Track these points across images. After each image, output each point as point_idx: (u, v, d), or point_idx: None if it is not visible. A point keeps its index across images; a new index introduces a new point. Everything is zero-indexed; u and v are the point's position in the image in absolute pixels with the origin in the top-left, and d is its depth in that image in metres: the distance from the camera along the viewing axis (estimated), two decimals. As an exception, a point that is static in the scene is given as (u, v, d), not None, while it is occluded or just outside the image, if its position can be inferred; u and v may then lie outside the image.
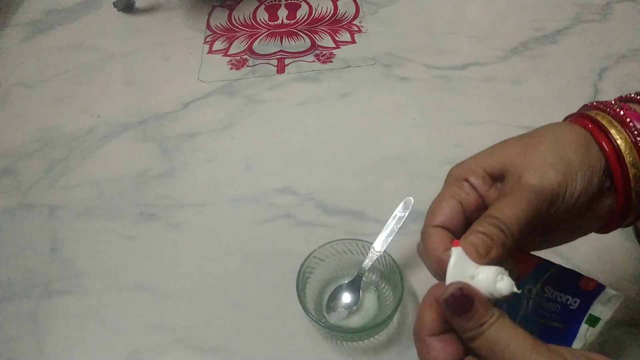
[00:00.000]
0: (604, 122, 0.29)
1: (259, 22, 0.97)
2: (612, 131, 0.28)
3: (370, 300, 0.53)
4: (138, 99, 0.81)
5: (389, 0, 0.98)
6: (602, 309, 0.30)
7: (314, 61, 0.86)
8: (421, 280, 0.54)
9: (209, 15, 0.99)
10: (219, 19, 0.98)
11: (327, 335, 0.51)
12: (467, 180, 0.30)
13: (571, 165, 0.27)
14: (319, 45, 0.90)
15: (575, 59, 0.83)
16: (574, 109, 0.34)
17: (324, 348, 0.51)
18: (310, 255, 0.51)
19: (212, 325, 0.53)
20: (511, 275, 0.29)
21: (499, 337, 0.24)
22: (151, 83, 0.84)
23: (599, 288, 0.30)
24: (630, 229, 0.58)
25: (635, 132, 0.28)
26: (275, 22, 0.96)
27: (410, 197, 0.53)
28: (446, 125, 0.73)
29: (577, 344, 0.30)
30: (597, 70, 0.80)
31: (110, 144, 0.74)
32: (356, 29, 0.93)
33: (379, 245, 0.51)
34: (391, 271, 0.51)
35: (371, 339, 0.51)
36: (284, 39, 0.92)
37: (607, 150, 0.28)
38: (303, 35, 0.92)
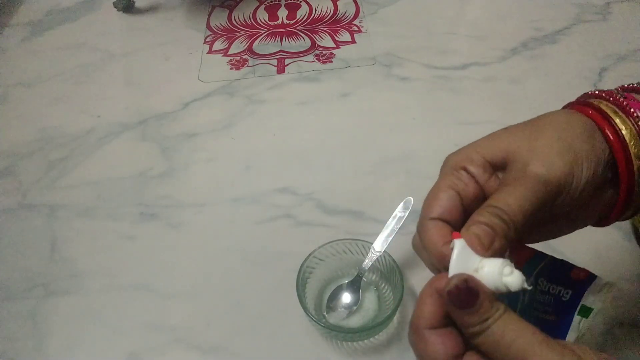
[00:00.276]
0: (608, 111, 0.28)
1: (259, 22, 0.97)
2: (617, 120, 0.27)
3: (370, 300, 0.53)
4: (138, 99, 0.81)
5: (389, 0, 0.98)
6: (593, 299, 0.29)
7: (314, 61, 0.86)
8: (421, 280, 0.54)
9: (209, 15, 0.99)
10: (219, 19, 0.98)
11: (327, 335, 0.51)
12: (465, 169, 0.28)
13: (578, 155, 0.26)
14: (319, 45, 0.90)
15: (575, 59, 0.83)
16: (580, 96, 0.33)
17: (324, 348, 0.51)
18: (310, 255, 0.51)
19: (212, 325, 0.53)
20: None
21: (505, 332, 0.23)
22: (151, 83, 0.84)
23: (590, 278, 0.29)
24: (630, 229, 0.58)
25: None
26: (275, 22, 0.96)
27: (410, 197, 0.53)
28: (446, 125, 0.73)
29: (571, 335, 0.29)
30: (597, 70, 0.80)
31: (110, 144, 0.74)
32: (356, 29, 0.93)
33: (379, 245, 0.51)
34: (391, 271, 0.51)
35: (371, 339, 0.51)
36: (284, 39, 0.92)
37: (612, 140, 0.27)
38: (303, 35, 0.92)
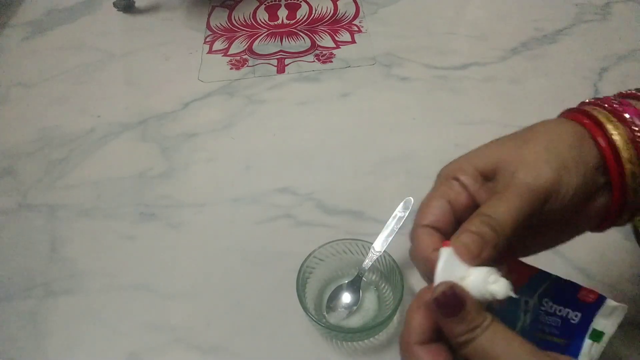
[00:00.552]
0: (600, 117, 0.28)
1: (259, 22, 0.97)
2: (609, 126, 0.27)
3: (370, 300, 0.53)
4: (138, 99, 0.81)
5: (389, 0, 0.98)
6: (605, 323, 0.28)
7: (314, 61, 0.86)
8: (421, 280, 0.54)
9: (209, 15, 0.99)
10: (219, 19, 0.98)
11: (327, 335, 0.51)
12: (457, 179, 0.29)
13: (566, 162, 0.27)
14: (319, 45, 0.90)
15: (575, 59, 0.83)
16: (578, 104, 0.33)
17: (324, 348, 0.51)
18: (310, 255, 0.51)
19: (212, 325, 0.53)
20: None
21: (493, 343, 0.23)
22: (151, 83, 0.84)
23: (600, 300, 0.28)
24: (629, 230, 0.58)
25: (635, 129, 0.27)
26: (275, 22, 0.96)
27: (410, 197, 0.53)
28: (446, 125, 0.73)
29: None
30: (597, 70, 0.80)
31: (110, 144, 0.74)
32: (356, 29, 0.93)
33: (379, 245, 0.51)
34: (391, 271, 0.51)
35: (371, 339, 0.51)
36: (284, 39, 0.92)
37: (602, 145, 0.27)
38: (303, 35, 0.92)
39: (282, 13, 0.99)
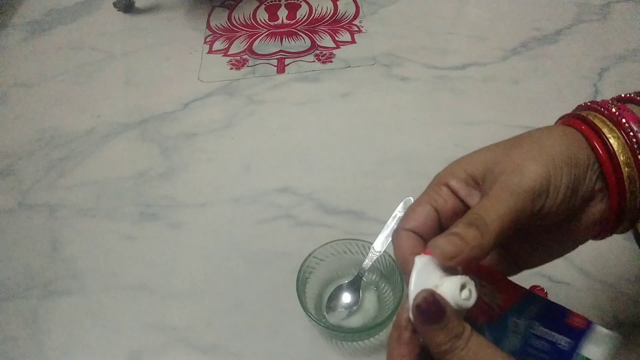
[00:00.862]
0: (596, 122, 0.28)
1: (259, 22, 0.97)
2: (605, 130, 0.27)
3: (370, 300, 0.53)
4: (138, 99, 0.81)
5: (389, 0, 0.98)
6: (595, 350, 0.28)
7: (314, 61, 0.86)
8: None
9: (209, 15, 0.99)
10: (219, 19, 0.98)
11: (327, 335, 0.51)
12: (447, 184, 0.29)
13: (555, 162, 0.27)
14: (319, 45, 0.90)
15: (575, 59, 0.83)
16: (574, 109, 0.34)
17: (324, 348, 0.51)
18: (310, 255, 0.51)
19: (212, 325, 0.53)
20: (493, 302, 0.28)
21: (479, 354, 0.23)
22: (151, 83, 0.84)
23: (589, 326, 0.28)
24: (631, 230, 0.58)
25: (631, 133, 0.27)
26: (275, 22, 0.96)
27: (410, 197, 0.53)
28: (446, 125, 0.73)
29: None
30: (597, 70, 0.80)
31: (110, 144, 0.74)
32: (356, 29, 0.93)
33: (379, 245, 0.51)
34: (391, 271, 0.51)
35: (371, 339, 0.51)
36: (284, 39, 0.92)
37: (598, 148, 0.27)
38: (303, 35, 0.92)
39: (282, 13, 0.99)
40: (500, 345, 0.28)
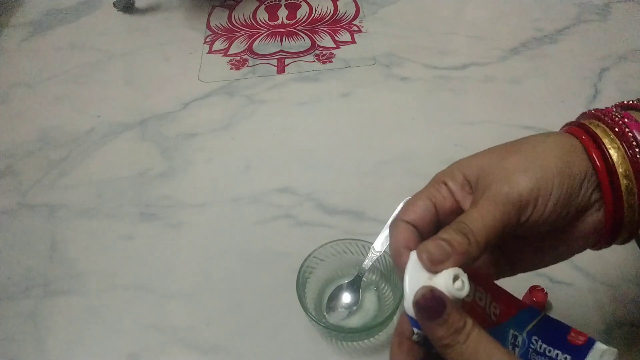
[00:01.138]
0: (598, 132, 0.28)
1: (259, 22, 0.97)
2: (605, 140, 0.27)
3: (370, 300, 0.53)
4: (138, 99, 0.81)
5: (389, 0, 0.98)
6: None
7: (314, 61, 0.86)
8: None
9: (209, 15, 0.99)
10: (219, 19, 0.98)
11: (327, 335, 0.51)
12: (445, 183, 0.30)
13: (546, 172, 0.27)
14: (319, 45, 0.90)
15: (575, 59, 0.83)
16: (574, 109, 0.34)
17: (324, 348, 0.51)
18: (310, 255, 0.51)
19: (212, 325, 0.53)
20: (489, 310, 0.28)
21: (478, 350, 0.23)
22: (151, 83, 0.84)
23: (589, 343, 0.28)
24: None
25: (634, 143, 0.27)
26: (275, 22, 0.96)
27: (410, 197, 0.53)
28: (446, 125, 0.73)
29: None
30: (597, 70, 0.80)
31: (110, 144, 0.74)
32: (356, 29, 0.93)
33: (379, 245, 0.51)
34: (391, 271, 0.51)
35: (371, 339, 0.51)
36: (284, 39, 0.92)
37: (595, 159, 0.27)
38: (303, 35, 0.92)
39: (282, 13, 0.99)
40: None
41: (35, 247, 0.61)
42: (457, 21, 0.94)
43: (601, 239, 0.29)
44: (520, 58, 0.84)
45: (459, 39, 0.89)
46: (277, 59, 0.87)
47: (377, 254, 0.51)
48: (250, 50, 0.89)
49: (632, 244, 0.57)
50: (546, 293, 0.51)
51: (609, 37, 0.87)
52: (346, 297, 0.53)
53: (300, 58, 0.87)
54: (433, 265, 0.25)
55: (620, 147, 0.27)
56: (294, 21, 0.96)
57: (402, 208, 0.30)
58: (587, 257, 0.56)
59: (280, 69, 0.85)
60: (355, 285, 0.53)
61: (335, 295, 0.53)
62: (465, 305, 0.27)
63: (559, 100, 0.75)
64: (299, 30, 0.94)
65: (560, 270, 0.55)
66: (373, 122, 0.74)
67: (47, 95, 0.83)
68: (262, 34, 0.93)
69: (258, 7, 1.01)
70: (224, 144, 0.72)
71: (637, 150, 0.27)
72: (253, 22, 0.97)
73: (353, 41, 0.90)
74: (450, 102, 0.77)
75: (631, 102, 0.30)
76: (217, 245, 0.60)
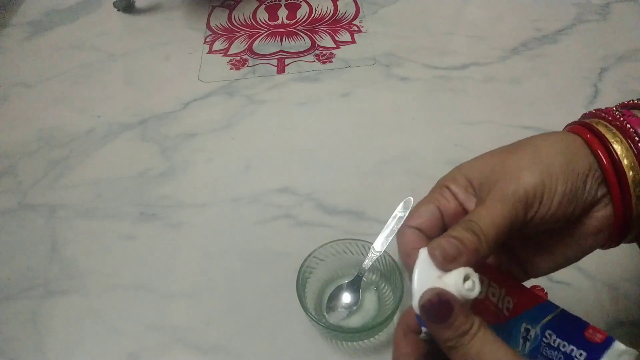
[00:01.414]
0: (600, 128, 0.28)
1: (259, 22, 0.97)
2: (608, 135, 0.28)
3: (370, 300, 0.53)
4: (138, 99, 0.81)
5: (389, 0, 0.98)
6: None
7: (314, 61, 0.86)
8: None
9: (209, 15, 0.99)
10: (219, 19, 0.98)
11: (327, 335, 0.51)
12: (448, 187, 0.30)
13: (550, 168, 0.27)
14: (319, 45, 0.90)
15: (575, 59, 0.83)
16: (574, 109, 0.34)
17: (324, 348, 0.51)
18: (310, 255, 0.51)
19: (212, 325, 0.53)
20: (502, 305, 0.28)
21: (480, 352, 0.23)
22: (151, 83, 0.84)
23: (608, 341, 0.27)
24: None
25: (637, 138, 0.27)
26: (275, 22, 0.96)
27: (410, 197, 0.53)
28: (446, 125, 0.73)
29: None
30: (597, 70, 0.80)
31: (110, 144, 0.74)
32: (356, 29, 0.93)
33: (379, 245, 0.51)
34: (391, 271, 0.51)
35: (371, 339, 0.51)
36: (284, 39, 0.92)
37: (599, 153, 0.27)
38: (303, 35, 0.92)
39: (282, 13, 0.99)
40: None
41: (35, 247, 0.61)
42: (457, 21, 0.94)
43: (611, 237, 0.30)
44: (520, 58, 0.84)
45: (459, 39, 0.89)
46: (277, 59, 0.87)
47: (377, 254, 0.51)
48: (250, 50, 0.89)
49: (632, 244, 0.57)
50: (546, 293, 0.51)
51: (609, 37, 0.87)
52: (346, 297, 0.53)
53: (300, 58, 0.87)
54: (446, 262, 0.25)
55: (624, 140, 0.27)
56: (294, 21, 0.96)
57: (407, 215, 0.30)
58: (587, 257, 0.56)
59: (280, 69, 0.85)
60: (355, 285, 0.53)
61: (335, 295, 0.53)
62: (476, 301, 0.27)
63: (559, 100, 0.75)
64: (299, 30, 0.94)
65: (560, 270, 0.55)
66: (373, 122, 0.74)
67: (47, 95, 0.83)
68: (262, 34, 0.93)
69: (258, 7, 1.01)
70: (224, 144, 0.72)
71: (639, 145, 0.27)
72: (253, 22, 0.97)
73: (353, 41, 0.90)
74: (450, 102, 0.77)
75: (631, 101, 0.30)
76: (217, 245, 0.60)
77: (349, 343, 0.51)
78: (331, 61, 0.86)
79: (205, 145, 0.72)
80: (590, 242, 0.30)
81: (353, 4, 0.99)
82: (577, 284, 0.54)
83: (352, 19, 0.95)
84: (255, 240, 0.60)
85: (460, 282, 0.24)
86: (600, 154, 0.27)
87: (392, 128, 0.73)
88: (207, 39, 0.93)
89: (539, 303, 0.29)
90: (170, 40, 0.92)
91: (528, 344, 0.29)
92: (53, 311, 0.55)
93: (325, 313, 0.52)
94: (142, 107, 0.79)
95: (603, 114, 0.29)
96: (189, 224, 0.63)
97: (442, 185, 0.30)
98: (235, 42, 0.92)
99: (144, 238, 0.62)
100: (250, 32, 0.94)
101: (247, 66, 0.86)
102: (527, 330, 0.29)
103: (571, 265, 0.58)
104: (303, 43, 0.90)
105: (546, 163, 0.27)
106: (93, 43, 0.92)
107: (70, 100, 0.82)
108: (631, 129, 0.27)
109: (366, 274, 0.53)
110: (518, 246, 0.31)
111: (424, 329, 0.25)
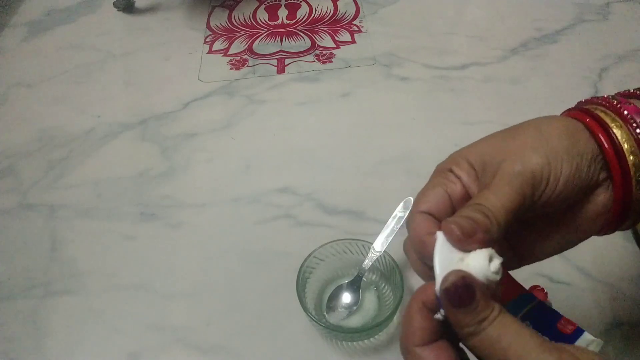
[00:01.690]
0: (598, 113, 0.28)
1: (259, 22, 0.97)
2: (607, 120, 0.27)
3: (370, 300, 0.53)
4: (138, 99, 0.81)
5: (389, 0, 0.98)
6: None
7: (314, 61, 0.86)
8: (421, 280, 0.54)
9: (209, 15, 0.99)
10: (219, 19, 0.98)
11: (327, 335, 0.51)
12: (451, 170, 0.29)
13: (555, 150, 0.27)
14: (319, 45, 0.90)
15: (575, 59, 0.83)
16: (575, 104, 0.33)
17: (324, 348, 0.51)
18: (310, 255, 0.51)
19: (212, 325, 0.53)
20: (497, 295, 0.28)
21: (501, 334, 0.22)
22: (151, 83, 0.84)
23: (577, 332, 0.28)
24: (629, 230, 0.58)
25: (634, 124, 0.27)
26: (275, 22, 0.96)
27: (410, 197, 0.53)
28: (446, 125, 0.73)
29: None
30: (597, 70, 0.80)
31: (110, 144, 0.74)
32: (356, 29, 0.93)
33: (379, 245, 0.51)
34: (391, 271, 0.51)
35: (371, 339, 0.51)
36: (284, 39, 0.92)
37: (600, 137, 0.27)
38: (303, 35, 0.92)
39: (282, 13, 0.99)
40: None
41: (35, 247, 0.61)
42: (457, 21, 0.94)
43: (608, 222, 0.29)
44: (520, 58, 0.84)
45: (459, 39, 0.89)
46: (277, 59, 0.87)
47: (377, 254, 0.51)
48: (250, 50, 0.89)
49: (632, 244, 0.57)
50: (546, 293, 0.51)
51: (609, 37, 0.87)
52: (346, 297, 0.53)
53: (300, 58, 0.87)
54: (465, 238, 0.24)
55: (623, 125, 0.27)
56: (294, 21, 0.96)
57: (415, 200, 0.29)
58: (587, 257, 0.56)
59: (280, 69, 0.85)
60: (355, 285, 0.53)
61: (335, 295, 0.53)
62: None
63: (559, 100, 0.75)
64: (299, 30, 0.94)
65: (560, 270, 0.55)
66: (373, 122, 0.74)
67: (47, 95, 0.83)
68: (262, 34, 0.93)
69: (258, 7, 1.01)
70: (224, 144, 0.72)
71: (638, 130, 0.27)
72: (253, 22, 0.97)
73: (353, 41, 0.90)
74: (450, 102, 0.77)
75: (626, 91, 0.30)
76: (217, 245, 0.60)
77: (349, 343, 0.51)
78: (331, 61, 0.86)
79: (205, 145, 0.72)
80: (587, 228, 0.29)
81: (353, 4, 0.99)
82: (577, 284, 0.54)
83: (352, 19, 0.95)
84: (255, 240, 0.60)
85: (486, 264, 0.23)
86: (602, 137, 0.27)
87: (392, 128, 0.73)
88: (207, 39, 0.93)
89: (523, 293, 0.30)
90: (170, 40, 0.92)
91: None
92: (53, 311, 0.55)
93: (325, 313, 0.52)
94: (142, 107, 0.79)
95: (599, 101, 0.29)
96: (189, 224, 0.63)
97: (445, 169, 0.29)
98: (235, 42, 0.92)
99: (144, 238, 0.62)
100: (250, 32, 0.94)
101: (247, 66, 0.86)
102: None
103: (571, 265, 0.59)
104: (303, 43, 0.90)
105: (551, 144, 0.27)
106: (93, 43, 0.92)
107: (70, 100, 0.82)
108: (628, 115, 0.27)
109: (366, 274, 0.53)
110: (514, 230, 0.31)
111: (442, 310, 0.24)
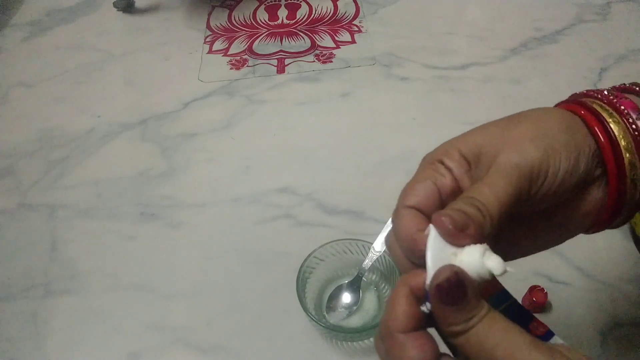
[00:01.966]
0: (595, 107, 0.27)
1: (259, 22, 0.97)
2: (604, 114, 0.26)
3: (370, 300, 0.53)
4: (138, 99, 0.81)
5: (389, 0, 0.98)
6: None
7: (314, 61, 0.86)
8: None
9: (209, 15, 0.99)
10: (219, 19, 0.98)
11: (327, 335, 0.51)
12: (442, 162, 0.27)
13: (554, 143, 0.25)
14: (319, 45, 0.90)
15: (575, 59, 0.83)
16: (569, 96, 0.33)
17: (324, 348, 0.51)
18: (310, 255, 0.51)
19: (212, 325, 0.53)
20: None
21: (490, 332, 0.21)
22: (151, 83, 0.84)
23: (547, 335, 0.27)
24: (628, 231, 0.58)
25: (630, 120, 0.26)
26: (275, 22, 0.96)
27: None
28: (446, 125, 0.73)
29: None
30: (597, 70, 0.80)
31: (110, 144, 0.74)
32: (356, 29, 0.93)
33: (379, 245, 0.51)
34: (391, 271, 0.51)
35: (371, 339, 0.51)
36: (284, 39, 0.92)
37: (598, 132, 0.26)
38: (303, 35, 0.92)
39: (282, 13, 0.99)
40: None
41: (35, 247, 0.61)
42: (457, 21, 0.94)
43: (598, 221, 0.28)
44: (520, 58, 0.84)
45: (459, 39, 0.89)
46: (277, 59, 0.87)
47: (377, 254, 0.51)
48: (250, 50, 0.89)
49: (632, 244, 0.57)
50: (546, 293, 0.51)
51: (609, 37, 0.87)
52: (346, 297, 0.53)
53: (300, 58, 0.87)
54: (457, 231, 0.22)
55: (620, 121, 0.26)
56: (294, 21, 0.96)
57: (401, 194, 0.27)
58: (586, 257, 0.56)
59: (280, 69, 0.85)
60: (355, 285, 0.53)
61: (335, 295, 0.53)
62: None
63: (559, 100, 0.75)
64: (299, 30, 0.94)
65: (560, 270, 0.55)
66: (373, 122, 0.74)
67: (47, 95, 0.83)
68: (262, 34, 0.93)
69: (258, 7, 1.01)
70: (224, 144, 0.72)
71: (634, 126, 0.26)
72: (253, 22, 0.97)
73: (353, 41, 0.90)
74: (450, 102, 0.77)
75: (622, 85, 0.29)
76: (217, 245, 0.60)
77: (349, 343, 0.51)
78: (331, 61, 0.86)
79: (205, 145, 0.72)
80: (577, 225, 0.28)
81: (353, 4, 0.99)
82: (577, 284, 0.54)
83: (352, 19, 0.95)
84: (255, 240, 0.60)
85: (481, 260, 0.22)
86: (598, 131, 0.26)
87: (392, 128, 0.73)
88: (207, 39, 0.93)
89: (499, 290, 0.29)
90: (170, 40, 0.92)
91: None
92: (53, 311, 0.55)
93: (325, 313, 0.52)
94: (142, 107, 0.79)
95: (595, 94, 0.28)
96: (189, 224, 0.63)
97: (434, 160, 0.28)
98: (235, 42, 0.92)
99: (144, 238, 0.62)
100: (250, 32, 0.94)
101: (247, 66, 0.86)
102: None
103: (571, 265, 0.59)
104: (303, 43, 0.90)
105: (550, 136, 0.26)
106: (93, 43, 0.92)
107: (70, 100, 0.82)
108: (625, 110, 0.26)
109: (366, 274, 0.53)
110: (505, 226, 0.29)
111: (427, 304, 0.23)
